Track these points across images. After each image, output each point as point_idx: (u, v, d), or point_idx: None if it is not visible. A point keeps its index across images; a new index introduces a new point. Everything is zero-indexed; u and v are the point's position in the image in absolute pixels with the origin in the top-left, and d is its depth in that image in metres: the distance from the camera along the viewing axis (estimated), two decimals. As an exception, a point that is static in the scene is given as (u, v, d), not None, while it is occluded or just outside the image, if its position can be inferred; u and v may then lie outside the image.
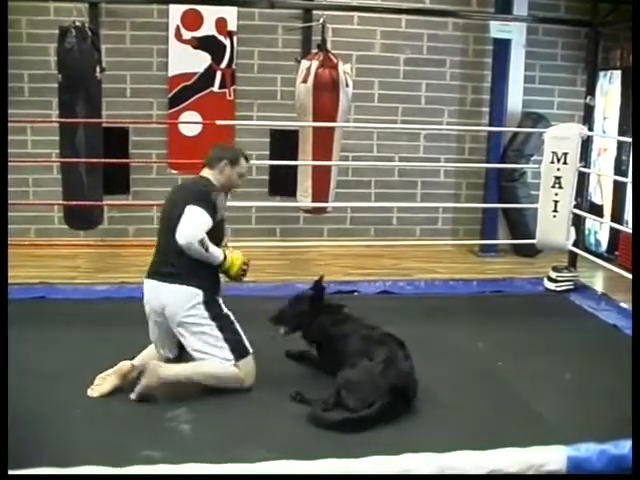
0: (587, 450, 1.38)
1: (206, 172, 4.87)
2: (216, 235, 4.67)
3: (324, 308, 5.09)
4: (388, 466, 1.27)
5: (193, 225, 4.51)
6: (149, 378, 4.46)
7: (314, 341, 5.06)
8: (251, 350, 4.68)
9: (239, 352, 4.62)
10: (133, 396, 4.47)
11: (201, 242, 4.49)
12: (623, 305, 6.74)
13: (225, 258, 4.68)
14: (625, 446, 1.41)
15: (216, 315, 4.62)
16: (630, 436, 1.56)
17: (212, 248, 4.57)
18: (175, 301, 4.56)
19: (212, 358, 4.58)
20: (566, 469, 1.36)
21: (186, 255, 4.51)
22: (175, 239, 4.48)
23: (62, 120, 7.19)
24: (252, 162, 8.50)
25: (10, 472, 1.49)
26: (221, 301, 4.72)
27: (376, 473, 1.26)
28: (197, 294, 4.57)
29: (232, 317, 4.70)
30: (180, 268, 4.56)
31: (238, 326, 4.69)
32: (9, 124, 7.87)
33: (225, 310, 4.68)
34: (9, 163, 7.95)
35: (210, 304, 4.61)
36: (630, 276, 6.09)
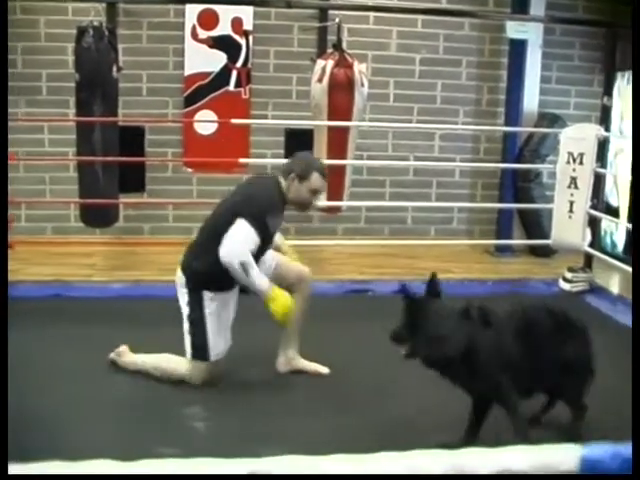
0: (601, 450, 1.38)
1: (280, 179, 4.69)
2: (263, 247, 4.58)
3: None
4: (397, 464, 1.27)
5: (239, 243, 4.38)
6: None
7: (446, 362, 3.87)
8: (212, 359, 4.61)
9: (199, 353, 4.60)
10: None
11: (242, 264, 4.31)
12: (639, 306, 6.72)
13: (269, 289, 4.41)
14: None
15: (193, 307, 4.57)
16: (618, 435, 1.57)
17: (255, 273, 4.37)
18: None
19: (171, 358, 4.67)
20: (579, 469, 1.37)
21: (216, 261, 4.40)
22: (215, 246, 4.41)
23: (79, 119, 7.24)
24: (267, 161, 8.62)
25: (10, 472, 1.50)
26: (210, 303, 4.58)
27: (386, 472, 1.27)
28: (193, 279, 4.59)
29: (210, 320, 4.58)
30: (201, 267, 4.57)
31: (212, 331, 4.58)
32: (26, 123, 8.03)
33: (208, 310, 4.57)
34: (26, 162, 8.11)
35: (195, 292, 4.57)
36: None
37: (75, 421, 4.18)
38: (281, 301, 4.40)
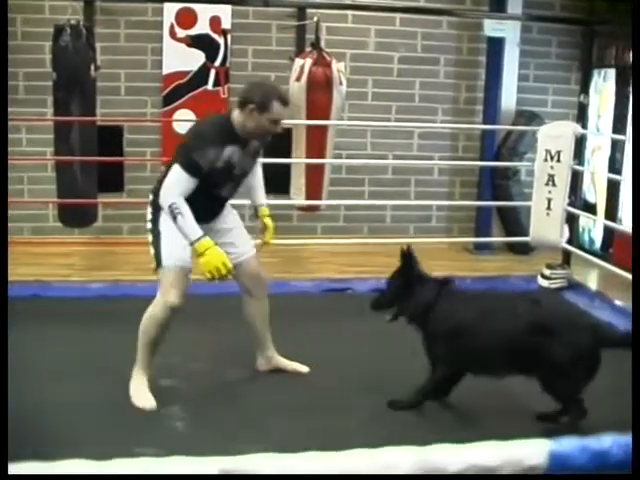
0: (569, 445, 1.39)
1: (236, 112, 4.42)
2: (214, 181, 4.41)
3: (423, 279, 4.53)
4: (368, 460, 1.28)
5: (168, 187, 4.27)
6: None
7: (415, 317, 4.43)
8: (166, 263, 4.41)
9: (157, 261, 4.46)
10: None
11: (170, 208, 4.19)
12: (617, 303, 6.76)
13: (199, 241, 4.21)
14: (607, 441, 1.42)
15: (153, 223, 4.50)
16: (619, 433, 1.57)
17: (183, 220, 4.19)
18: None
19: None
20: (547, 464, 1.38)
21: None
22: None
23: (57, 118, 7.22)
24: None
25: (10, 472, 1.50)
26: (164, 221, 4.41)
27: (355, 469, 1.28)
28: (154, 201, 4.48)
29: (165, 234, 4.42)
30: None
31: (165, 242, 4.42)
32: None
33: (162, 227, 4.43)
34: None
35: (155, 211, 4.48)
36: (624, 274, 6.13)
37: (51, 420, 4.18)
38: (210, 256, 4.20)
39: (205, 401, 4.55)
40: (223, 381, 4.86)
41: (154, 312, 4.46)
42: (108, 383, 4.69)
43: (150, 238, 4.52)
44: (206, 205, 4.46)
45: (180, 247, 4.37)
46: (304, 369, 5.02)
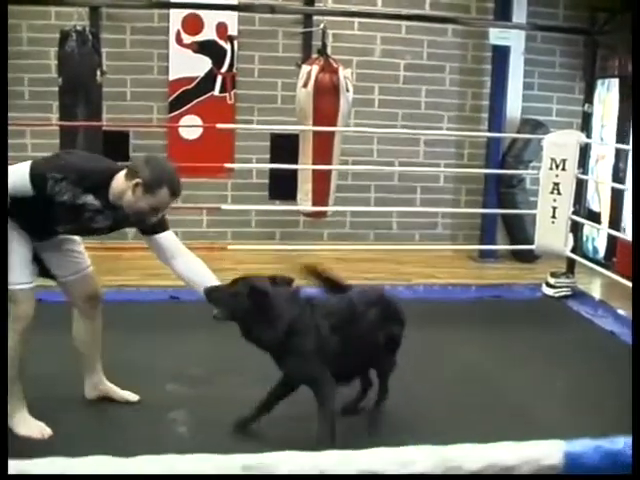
0: (583, 445, 1.40)
1: (121, 177, 3.87)
2: (54, 210, 3.90)
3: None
4: (386, 458, 1.28)
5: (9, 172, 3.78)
6: None
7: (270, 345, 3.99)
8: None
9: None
10: None
11: None
12: (620, 312, 6.76)
13: None
14: (620, 442, 1.43)
15: None
16: (625, 434, 1.58)
17: None
18: None
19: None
20: (563, 464, 1.39)
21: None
22: None
23: (62, 123, 7.23)
24: (252, 166, 8.65)
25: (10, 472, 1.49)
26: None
27: (375, 465, 1.28)
28: None
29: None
30: None
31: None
32: (8, 127, 8.00)
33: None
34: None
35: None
36: (628, 283, 6.12)
37: (55, 426, 4.17)
38: None
39: (208, 406, 4.54)
40: (225, 386, 4.85)
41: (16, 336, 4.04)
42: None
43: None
44: (39, 227, 4.05)
45: (17, 264, 3.98)
46: (134, 397, 4.57)
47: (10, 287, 3.89)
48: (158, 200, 3.80)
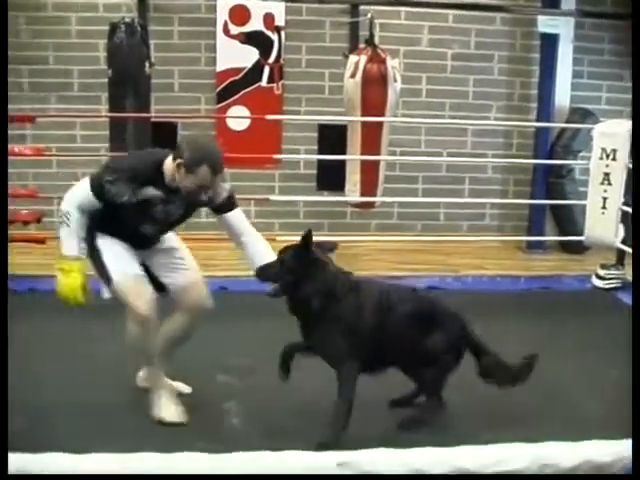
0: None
1: (170, 158, 4.05)
2: (129, 215, 4.10)
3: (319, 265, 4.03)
4: (480, 456, 1.28)
5: (71, 194, 4.04)
6: None
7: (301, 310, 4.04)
8: (117, 278, 4.11)
9: (107, 281, 4.15)
10: None
11: (63, 215, 3.99)
12: (671, 304, 6.67)
13: (68, 258, 4.04)
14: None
15: (90, 242, 4.19)
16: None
17: (66, 233, 4.01)
18: None
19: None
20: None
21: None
22: None
23: (112, 115, 7.29)
24: (300, 157, 8.65)
25: (10, 472, 1.51)
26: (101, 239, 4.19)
27: (468, 464, 1.27)
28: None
29: (105, 249, 4.16)
30: None
31: (107, 257, 4.14)
32: (56, 119, 8.08)
33: (100, 243, 4.18)
34: (58, 157, 8.17)
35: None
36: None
37: (117, 413, 4.24)
38: (70, 280, 4.02)
39: (258, 396, 4.55)
40: (274, 376, 4.85)
41: (131, 333, 4.17)
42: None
43: (90, 260, 4.22)
44: (130, 235, 4.22)
45: (125, 258, 4.19)
46: (186, 389, 4.64)
47: (117, 277, 4.10)
48: (200, 178, 3.93)
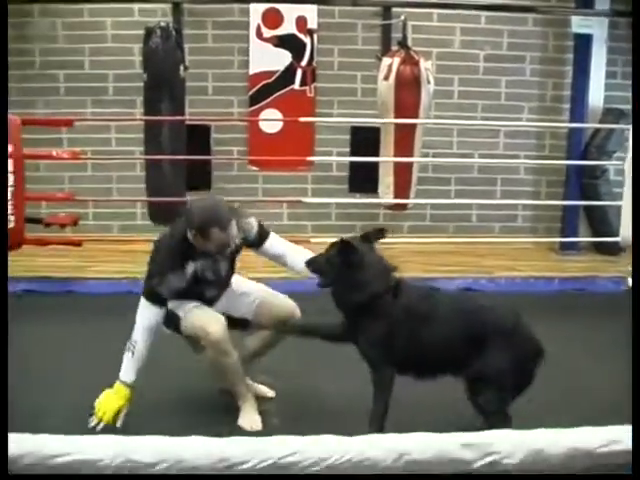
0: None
1: (187, 231, 4.15)
2: (190, 292, 4.26)
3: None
4: (495, 436, 1.30)
5: (137, 321, 4.18)
6: None
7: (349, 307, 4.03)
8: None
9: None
10: None
11: (129, 342, 4.16)
12: None
13: (123, 382, 4.14)
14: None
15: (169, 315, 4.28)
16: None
17: (129, 361, 4.14)
18: None
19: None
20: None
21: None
22: None
23: (147, 118, 7.36)
24: (333, 159, 8.68)
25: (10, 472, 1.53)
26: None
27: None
28: None
29: (185, 313, 4.31)
30: None
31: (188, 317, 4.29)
32: (93, 122, 8.16)
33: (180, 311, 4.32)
34: (93, 160, 8.25)
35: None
36: None
37: (145, 411, 4.28)
38: (113, 399, 4.11)
39: (297, 398, 4.61)
40: (313, 378, 4.89)
41: (212, 359, 4.29)
42: (196, 375, 4.76)
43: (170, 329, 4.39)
44: (199, 300, 4.36)
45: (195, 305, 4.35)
46: (270, 393, 4.80)
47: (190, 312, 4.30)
48: (217, 239, 4.05)
